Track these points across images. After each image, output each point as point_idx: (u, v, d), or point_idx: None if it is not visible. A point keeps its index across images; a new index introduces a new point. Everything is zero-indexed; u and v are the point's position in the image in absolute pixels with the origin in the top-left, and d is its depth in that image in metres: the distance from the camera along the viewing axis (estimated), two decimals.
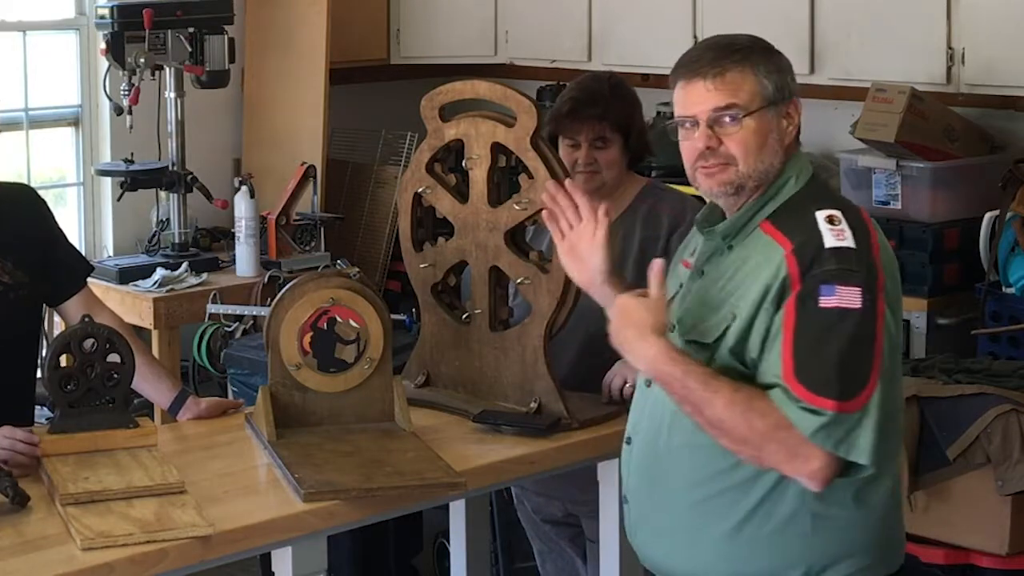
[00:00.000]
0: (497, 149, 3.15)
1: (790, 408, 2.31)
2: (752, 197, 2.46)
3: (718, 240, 2.49)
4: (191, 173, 5.05)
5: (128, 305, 4.73)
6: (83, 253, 3.52)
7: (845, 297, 2.31)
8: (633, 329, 2.41)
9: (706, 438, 2.39)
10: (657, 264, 2.45)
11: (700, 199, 3.76)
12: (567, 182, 2.74)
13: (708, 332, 2.42)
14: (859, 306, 2.31)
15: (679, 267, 2.62)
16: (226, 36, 5.08)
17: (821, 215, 2.38)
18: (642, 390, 2.58)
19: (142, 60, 4.83)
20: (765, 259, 2.39)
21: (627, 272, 3.41)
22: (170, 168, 5.05)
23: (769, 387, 2.34)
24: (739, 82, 2.42)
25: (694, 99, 2.44)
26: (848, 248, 2.35)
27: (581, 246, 2.64)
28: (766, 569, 2.42)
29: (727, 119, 2.42)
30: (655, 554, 2.55)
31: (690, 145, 2.47)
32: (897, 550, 2.51)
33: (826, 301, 2.31)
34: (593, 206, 2.66)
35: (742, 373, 2.39)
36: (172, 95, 5.05)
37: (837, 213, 2.39)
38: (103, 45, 4.85)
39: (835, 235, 2.36)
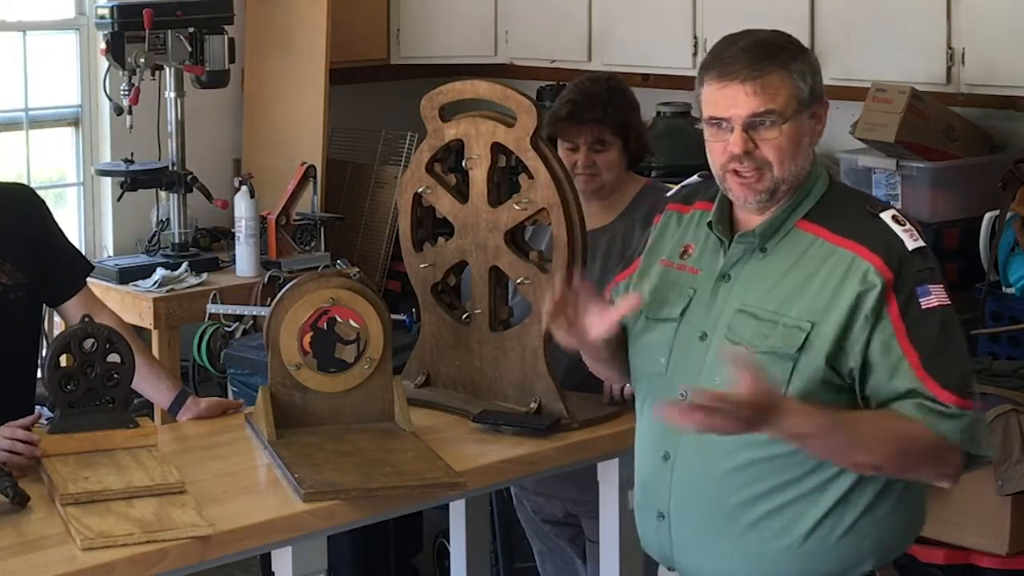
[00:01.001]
0: (497, 149, 3.15)
1: (933, 418, 2.31)
2: (785, 199, 2.42)
3: (749, 242, 2.44)
4: (191, 173, 5.05)
5: (128, 305, 4.73)
6: (83, 253, 3.52)
7: (938, 296, 2.35)
8: (774, 413, 2.26)
9: (778, 449, 2.34)
10: (743, 354, 2.31)
11: None
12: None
13: (786, 343, 2.35)
14: (949, 301, 2.36)
15: (671, 271, 2.53)
16: (226, 36, 5.08)
17: (887, 216, 2.38)
18: (695, 344, 2.47)
19: (142, 60, 4.83)
20: (827, 264, 2.36)
21: None
22: (170, 168, 5.05)
23: (895, 399, 2.33)
24: (777, 87, 2.36)
25: (729, 101, 2.37)
26: (924, 247, 2.38)
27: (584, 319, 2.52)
28: (839, 568, 2.42)
29: (765, 124, 2.37)
30: (711, 567, 2.48)
31: (722, 147, 2.40)
32: (922, 519, 2.54)
33: (927, 302, 2.34)
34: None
35: (837, 386, 2.36)
36: (172, 95, 5.05)
37: (898, 213, 2.40)
38: (103, 45, 4.85)
39: (910, 236, 2.37)
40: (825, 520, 2.39)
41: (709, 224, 2.50)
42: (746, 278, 2.43)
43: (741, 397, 2.21)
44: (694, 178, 2.64)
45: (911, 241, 2.36)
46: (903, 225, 2.38)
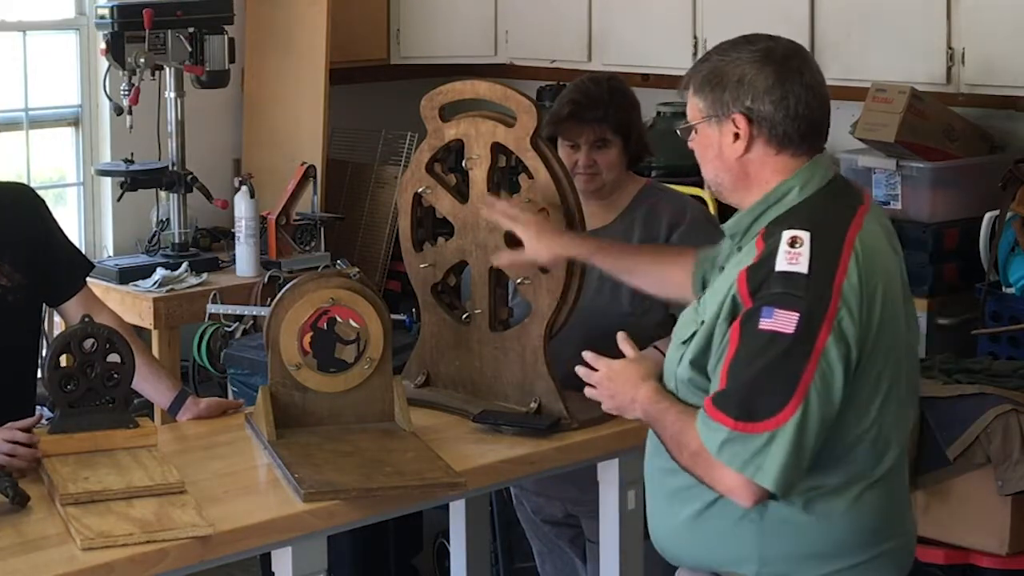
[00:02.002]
0: (497, 149, 3.15)
1: (702, 429, 2.38)
2: (752, 200, 2.48)
3: (730, 240, 2.56)
4: (191, 173, 5.05)
5: (128, 305, 4.73)
6: (83, 253, 3.51)
7: (780, 321, 2.32)
8: (624, 384, 2.58)
9: (673, 387, 2.53)
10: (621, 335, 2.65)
11: (700, 199, 3.78)
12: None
13: (681, 332, 2.52)
14: (791, 331, 2.31)
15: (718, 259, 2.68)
16: (226, 36, 5.08)
17: (787, 235, 2.37)
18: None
19: (142, 60, 4.83)
20: (734, 270, 2.44)
21: None
22: (170, 168, 5.05)
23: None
24: (689, 97, 2.52)
25: None
26: (798, 273, 2.33)
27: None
28: (722, 558, 2.48)
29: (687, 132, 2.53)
30: (653, 530, 2.64)
31: None
32: (885, 560, 2.48)
33: (764, 324, 2.33)
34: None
35: (697, 384, 2.46)
36: (172, 95, 5.05)
37: (803, 235, 2.36)
38: (103, 45, 4.85)
39: (789, 258, 2.34)
40: (715, 504, 2.45)
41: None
42: (727, 272, 2.51)
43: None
44: None
45: (785, 263, 2.34)
46: (795, 247, 2.35)
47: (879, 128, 4.36)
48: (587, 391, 2.68)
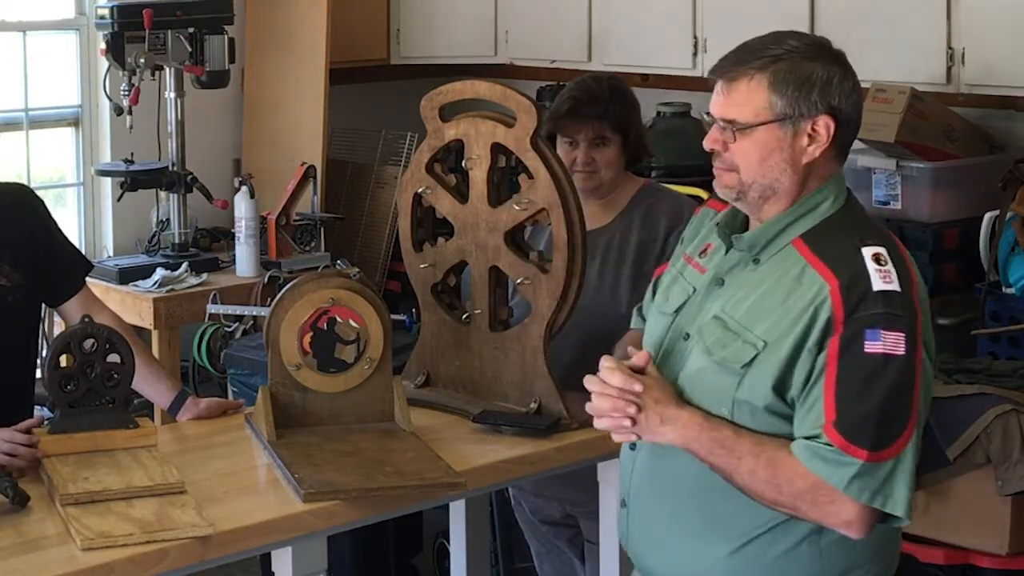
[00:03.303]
0: (497, 149, 3.15)
1: (821, 464, 2.25)
2: (780, 208, 2.38)
3: (744, 250, 2.41)
4: (191, 173, 5.05)
5: (128, 305, 4.73)
6: (83, 253, 3.51)
7: (890, 343, 2.24)
8: (656, 404, 2.35)
9: (715, 412, 2.36)
10: (644, 356, 2.42)
11: (697, 199, 3.78)
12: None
13: (735, 357, 2.34)
14: (903, 352, 2.25)
15: (687, 268, 2.53)
16: (226, 36, 5.08)
17: (868, 252, 2.30)
18: (680, 342, 2.48)
19: (142, 60, 4.83)
20: (801, 287, 2.31)
21: (624, 274, 3.42)
22: (170, 168, 5.05)
23: (801, 437, 2.29)
24: (745, 94, 2.34)
25: (713, 99, 2.38)
26: (895, 292, 2.27)
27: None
28: None
29: (728, 130, 2.36)
30: (656, 563, 2.50)
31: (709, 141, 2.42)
32: (892, 558, 2.49)
33: (871, 347, 2.24)
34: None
35: (780, 414, 2.32)
36: (172, 95, 5.05)
37: (883, 251, 2.31)
38: (103, 45, 4.85)
39: (882, 277, 2.27)
40: (764, 535, 2.35)
41: (717, 224, 2.48)
42: (736, 286, 2.40)
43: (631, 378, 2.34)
44: None
45: (881, 282, 2.27)
46: (882, 265, 2.29)
47: (879, 128, 4.36)
48: (594, 403, 2.39)
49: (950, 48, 4.47)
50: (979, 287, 4.25)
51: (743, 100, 2.34)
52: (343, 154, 5.74)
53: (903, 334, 2.26)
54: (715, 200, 2.57)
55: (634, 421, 2.36)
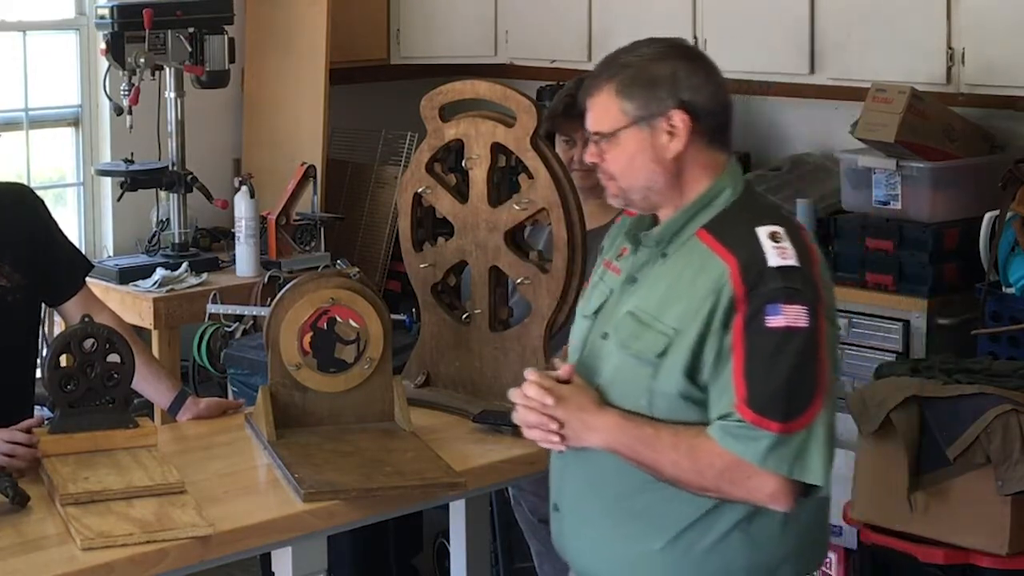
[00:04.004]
0: (497, 149, 3.15)
1: (734, 442, 2.30)
2: (676, 204, 2.44)
3: (652, 247, 2.47)
4: (191, 173, 5.05)
5: (128, 305, 4.73)
6: (83, 253, 3.51)
7: (791, 316, 2.30)
8: (579, 412, 2.42)
9: (633, 406, 2.41)
10: (567, 368, 2.48)
11: None
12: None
13: (648, 348, 2.39)
14: (805, 324, 2.30)
15: (606, 272, 2.58)
16: (226, 36, 5.08)
17: (763, 231, 2.36)
18: (599, 342, 2.52)
19: (142, 60, 4.83)
20: (704, 272, 2.36)
21: None
22: (170, 168, 5.05)
23: (715, 419, 2.33)
24: (602, 107, 2.44)
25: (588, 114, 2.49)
26: (792, 267, 2.33)
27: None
28: None
29: (599, 143, 2.46)
30: (592, 564, 2.52)
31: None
32: (820, 552, 2.52)
33: (773, 321, 2.30)
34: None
35: (697, 400, 2.36)
36: (172, 95, 5.05)
37: (779, 230, 2.37)
38: (103, 45, 4.85)
39: (779, 253, 2.33)
40: (695, 525, 2.38)
41: (625, 227, 2.56)
42: (648, 282, 2.45)
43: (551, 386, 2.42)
44: None
45: (777, 258, 2.32)
46: (778, 242, 2.35)
47: (879, 128, 4.36)
48: (520, 415, 2.47)
49: (950, 48, 4.47)
50: (979, 287, 4.24)
51: (601, 112, 2.45)
52: (343, 154, 5.74)
53: (804, 307, 2.31)
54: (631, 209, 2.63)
55: (561, 433, 2.43)
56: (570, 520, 2.54)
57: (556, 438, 2.43)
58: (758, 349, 2.30)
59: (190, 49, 4.98)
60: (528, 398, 2.45)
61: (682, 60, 2.44)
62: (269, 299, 3.60)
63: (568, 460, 2.53)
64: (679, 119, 2.40)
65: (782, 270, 2.32)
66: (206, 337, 4.55)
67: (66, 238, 3.33)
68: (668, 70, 2.42)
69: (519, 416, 2.48)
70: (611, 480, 2.45)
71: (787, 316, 2.30)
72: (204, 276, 4.93)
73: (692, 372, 2.36)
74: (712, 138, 2.44)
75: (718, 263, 2.36)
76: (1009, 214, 4.21)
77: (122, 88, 4.83)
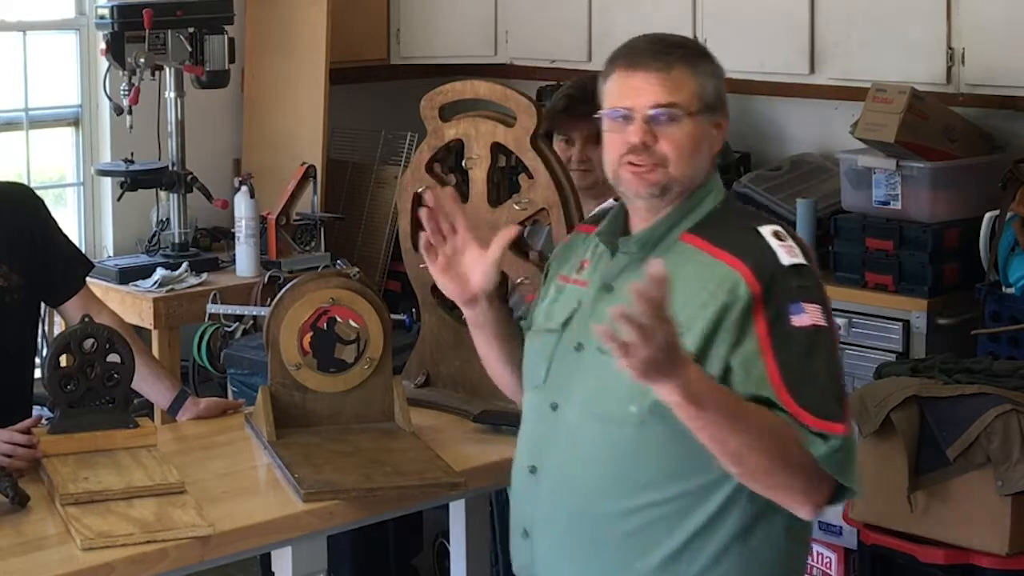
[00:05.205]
0: (497, 149, 3.15)
1: (799, 430, 2.18)
2: (672, 205, 2.35)
3: (633, 252, 2.36)
4: (191, 173, 5.05)
5: (128, 305, 4.73)
6: (84, 253, 3.50)
7: (812, 315, 2.23)
8: (665, 352, 2.04)
9: (634, 467, 2.27)
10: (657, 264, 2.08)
11: None
12: (447, 192, 2.52)
13: None
14: (824, 323, 2.24)
15: (566, 287, 2.45)
16: (226, 36, 5.08)
17: (766, 231, 2.29)
18: (545, 415, 2.40)
19: (142, 60, 4.83)
20: (701, 276, 2.27)
21: None
22: (170, 168, 5.05)
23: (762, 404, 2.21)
24: (682, 81, 2.30)
25: (634, 91, 2.31)
26: (803, 264, 2.27)
27: (464, 259, 2.50)
28: None
29: (665, 117, 2.30)
30: None
31: (619, 139, 2.32)
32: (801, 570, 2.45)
33: (798, 320, 2.22)
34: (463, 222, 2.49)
35: None
36: (172, 95, 5.05)
37: (780, 229, 2.32)
38: (103, 45, 4.85)
39: (787, 251, 2.27)
40: (689, 544, 2.27)
41: (598, 234, 2.43)
42: (628, 288, 2.18)
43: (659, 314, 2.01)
44: (609, 202, 2.56)
45: (787, 257, 2.26)
46: (783, 241, 2.28)
47: (879, 128, 4.36)
48: (630, 315, 2.00)
49: (950, 48, 4.47)
50: (979, 287, 4.25)
51: (680, 87, 2.30)
52: (343, 154, 5.74)
53: (819, 305, 2.26)
54: (585, 225, 2.57)
55: (654, 358, 2.04)
56: (544, 546, 2.39)
57: (646, 354, 2.02)
58: (790, 350, 2.21)
59: (190, 49, 4.98)
60: (651, 299, 2.01)
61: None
62: (269, 299, 3.60)
63: (540, 479, 2.40)
64: (726, 118, 2.36)
65: (796, 268, 2.26)
66: (206, 337, 4.56)
67: (66, 238, 3.32)
68: (721, 69, 2.37)
69: (626, 314, 2.01)
70: (596, 500, 2.31)
71: (810, 315, 2.23)
72: (204, 276, 4.94)
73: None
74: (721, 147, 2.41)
75: (720, 266, 2.27)
76: (1009, 214, 4.21)
77: (122, 88, 4.83)
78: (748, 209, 2.49)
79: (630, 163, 2.32)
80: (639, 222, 2.39)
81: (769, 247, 2.28)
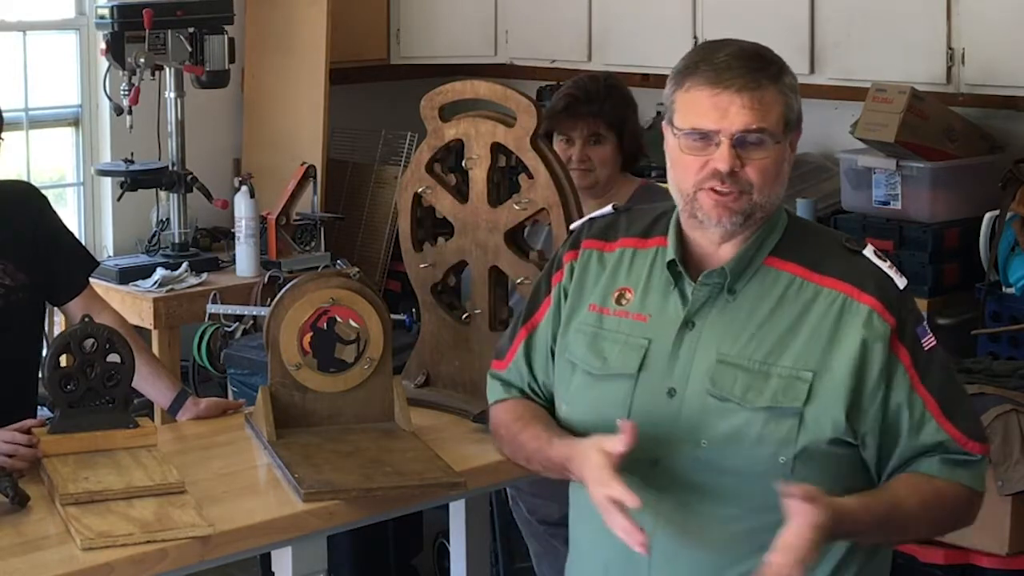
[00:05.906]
0: (497, 149, 3.15)
1: (960, 472, 2.15)
2: (751, 230, 2.18)
3: (716, 283, 2.17)
4: (191, 173, 5.05)
5: (128, 305, 4.73)
6: (88, 251, 3.50)
7: (930, 334, 2.18)
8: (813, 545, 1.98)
9: (769, 466, 2.11)
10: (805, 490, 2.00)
11: None
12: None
13: (789, 396, 2.10)
14: (936, 342, 2.20)
15: (604, 318, 2.24)
16: (226, 36, 5.08)
17: (869, 253, 2.18)
18: (662, 401, 2.17)
19: (142, 60, 4.83)
20: (818, 304, 2.13)
21: None
22: (170, 168, 5.06)
23: (918, 455, 2.15)
24: (770, 102, 2.12)
25: (720, 113, 2.11)
26: (907, 285, 2.19)
27: None
28: None
29: (754, 142, 2.12)
30: None
31: (699, 161, 2.13)
32: None
33: (928, 342, 2.16)
34: None
35: (844, 444, 2.12)
36: (172, 95, 5.05)
37: (873, 247, 2.21)
38: (103, 45, 4.86)
39: (895, 272, 2.18)
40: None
41: (670, 264, 2.21)
42: (715, 325, 2.16)
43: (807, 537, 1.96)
44: (607, 209, 2.35)
45: (899, 279, 2.17)
46: (884, 260, 2.18)
47: (879, 128, 4.36)
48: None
49: (950, 48, 4.47)
50: (979, 287, 4.25)
51: (769, 110, 2.13)
52: (343, 154, 5.74)
53: (926, 322, 2.23)
54: (593, 240, 2.32)
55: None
56: (668, 542, 2.16)
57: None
58: (934, 376, 2.15)
59: (190, 49, 4.98)
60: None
61: None
62: (269, 299, 3.60)
63: (671, 474, 2.16)
64: (798, 135, 2.21)
65: (908, 290, 2.18)
66: (206, 337, 4.56)
67: (71, 237, 3.33)
68: (796, 81, 2.21)
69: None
70: (737, 495, 2.13)
71: (930, 334, 2.18)
72: (204, 276, 4.94)
73: (854, 412, 2.11)
74: None
75: (829, 293, 2.14)
76: (1009, 214, 4.21)
77: (122, 88, 4.83)
78: (818, 226, 2.33)
79: (713, 189, 2.13)
80: (709, 247, 2.20)
81: (881, 271, 2.17)
